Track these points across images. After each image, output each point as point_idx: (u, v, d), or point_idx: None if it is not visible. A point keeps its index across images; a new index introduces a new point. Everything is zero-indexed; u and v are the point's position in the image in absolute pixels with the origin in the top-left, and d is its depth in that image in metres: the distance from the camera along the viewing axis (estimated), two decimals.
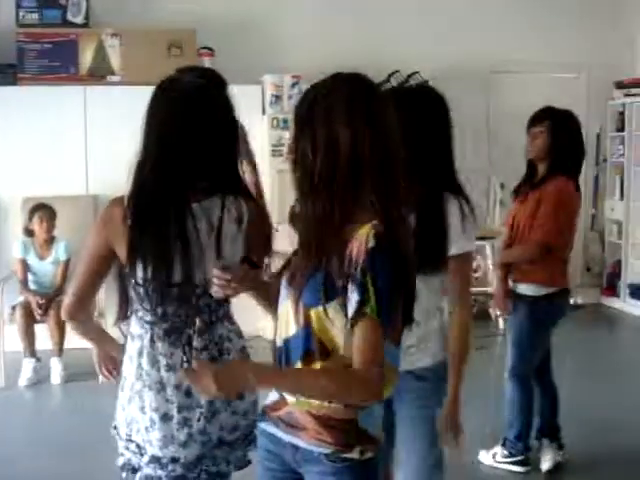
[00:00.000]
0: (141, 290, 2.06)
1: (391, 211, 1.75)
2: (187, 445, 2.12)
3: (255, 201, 2.20)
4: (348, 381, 1.73)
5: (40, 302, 5.58)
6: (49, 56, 6.30)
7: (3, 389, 5.49)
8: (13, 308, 5.67)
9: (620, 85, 7.63)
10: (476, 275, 6.73)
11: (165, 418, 2.11)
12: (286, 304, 1.86)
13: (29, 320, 5.59)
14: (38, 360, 5.65)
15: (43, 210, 5.78)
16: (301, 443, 1.85)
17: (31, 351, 5.62)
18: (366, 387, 1.71)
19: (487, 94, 7.41)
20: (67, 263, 5.79)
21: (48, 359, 5.64)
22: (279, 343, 1.88)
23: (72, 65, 6.34)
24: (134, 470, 2.24)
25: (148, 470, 2.17)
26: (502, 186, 7.05)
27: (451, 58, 6.98)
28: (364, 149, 1.75)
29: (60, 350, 5.63)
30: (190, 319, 2.09)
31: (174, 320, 2.09)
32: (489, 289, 5.38)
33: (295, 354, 1.82)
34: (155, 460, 2.15)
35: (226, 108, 2.16)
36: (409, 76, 6.81)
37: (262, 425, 1.97)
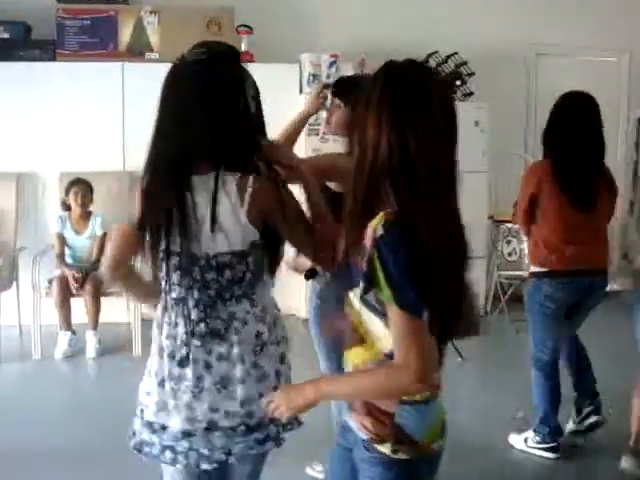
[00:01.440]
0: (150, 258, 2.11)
1: (407, 201, 1.74)
2: (172, 415, 2.12)
3: (273, 179, 2.15)
4: (387, 374, 1.75)
5: (76, 276, 5.64)
6: (88, 32, 6.33)
7: (39, 361, 5.57)
8: (50, 282, 5.74)
9: None
10: (511, 259, 6.69)
11: (161, 384, 2.14)
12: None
13: (65, 294, 5.66)
14: (74, 333, 5.72)
15: (80, 185, 5.84)
16: (352, 425, 1.90)
17: (67, 324, 5.69)
18: (404, 375, 1.70)
19: (527, 76, 7.31)
20: (103, 238, 5.85)
21: (83, 332, 5.72)
22: None
23: (111, 41, 6.36)
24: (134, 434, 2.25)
25: (144, 435, 2.20)
26: None
27: (491, 39, 6.89)
28: (409, 150, 1.73)
29: (95, 324, 5.70)
30: (190, 291, 2.10)
31: (180, 290, 2.10)
32: (524, 273, 5.34)
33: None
34: (149, 425, 2.18)
35: (227, 82, 2.11)
36: (448, 57, 6.74)
37: None
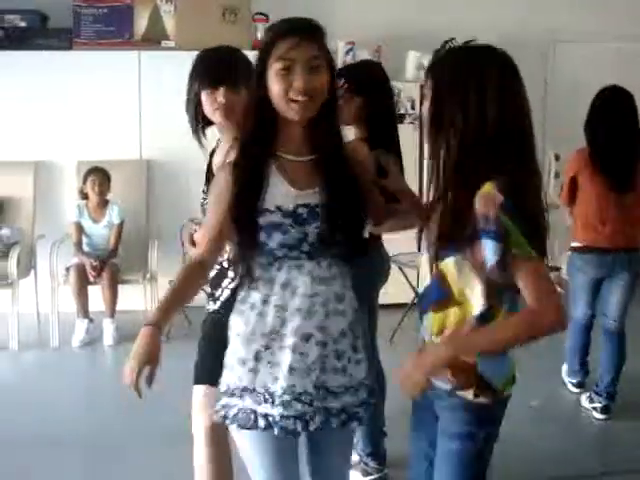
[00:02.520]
0: None
1: (514, 170, 1.92)
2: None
3: None
4: (529, 321, 1.88)
5: (94, 264, 5.67)
6: (104, 21, 6.33)
7: (56, 349, 5.61)
8: (67, 270, 5.77)
9: None
10: None
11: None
12: (425, 256, 2.08)
13: (83, 282, 5.69)
14: (91, 321, 5.76)
15: (97, 173, 5.86)
16: (435, 381, 2.04)
17: (84, 312, 5.73)
18: (547, 317, 1.86)
19: (546, 63, 7.26)
20: (120, 226, 5.89)
21: (100, 320, 5.75)
22: (420, 291, 2.16)
23: (127, 30, 6.36)
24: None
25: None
26: (557, 157, 6.93)
27: (509, 26, 6.83)
28: (507, 116, 1.94)
29: (112, 312, 5.73)
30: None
31: None
32: None
33: (427, 301, 2.08)
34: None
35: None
36: (465, 43, 6.68)
37: None
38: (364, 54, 6.35)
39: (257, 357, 2.08)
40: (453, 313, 2.01)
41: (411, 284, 5.72)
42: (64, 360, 5.46)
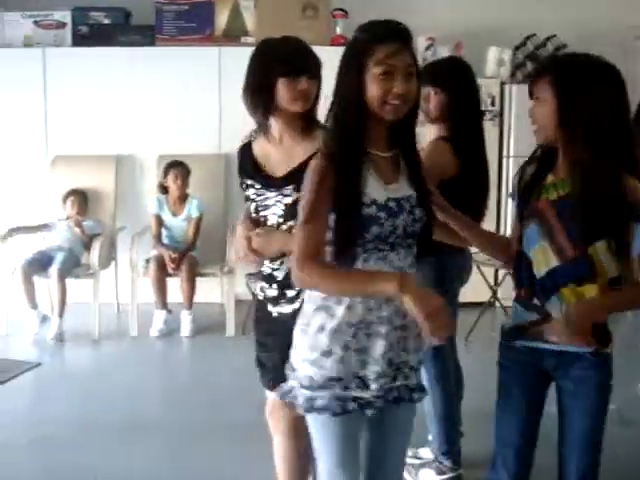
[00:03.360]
0: None
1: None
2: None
3: None
4: None
5: (173, 256, 5.77)
6: (186, 17, 6.43)
7: (136, 338, 5.73)
8: (147, 262, 5.88)
9: None
10: None
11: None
12: (542, 244, 2.29)
13: (161, 273, 5.79)
14: (169, 312, 5.86)
15: (178, 167, 5.96)
16: (570, 348, 2.28)
17: (163, 303, 5.83)
18: None
19: (625, 60, 7.04)
20: (199, 220, 5.97)
21: (178, 312, 5.84)
22: (539, 275, 2.30)
23: (208, 26, 6.45)
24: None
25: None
26: None
27: (591, 21, 6.68)
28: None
29: (190, 303, 5.82)
30: None
31: None
32: None
33: (564, 278, 2.27)
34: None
35: None
36: (547, 39, 6.59)
37: (518, 342, 2.37)
38: (444, 50, 6.30)
39: (345, 347, 2.14)
40: (593, 287, 2.25)
41: (488, 282, 5.65)
42: (142, 350, 5.58)
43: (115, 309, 6.26)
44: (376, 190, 2.11)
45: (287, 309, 2.68)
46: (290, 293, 2.66)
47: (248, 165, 2.74)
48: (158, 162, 6.29)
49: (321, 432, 2.25)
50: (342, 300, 2.13)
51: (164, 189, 6.02)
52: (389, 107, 2.07)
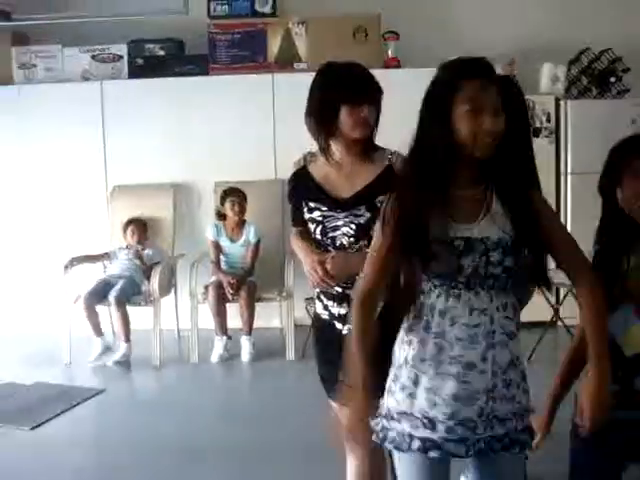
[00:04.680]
0: None
1: None
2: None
3: None
4: None
5: (232, 282, 5.80)
6: (239, 46, 6.51)
7: (197, 365, 5.77)
8: (206, 288, 5.93)
9: None
10: None
11: None
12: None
13: (221, 299, 5.82)
14: (229, 338, 5.89)
15: (234, 194, 6.01)
16: None
17: (222, 329, 5.86)
18: None
19: None
20: (257, 245, 6.01)
21: (238, 337, 5.87)
22: (630, 354, 2.27)
23: (261, 54, 6.52)
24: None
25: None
26: None
27: None
28: None
29: (250, 329, 5.84)
30: None
31: None
32: None
33: None
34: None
35: None
36: (601, 53, 6.51)
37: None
38: (497, 69, 6.23)
39: (415, 382, 2.12)
40: None
41: (550, 302, 5.57)
42: (203, 375, 5.62)
43: (176, 336, 6.32)
44: (441, 227, 2.07)
45: (340, 326, 2.72)
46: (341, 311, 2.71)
47: (310, 188, 2.77)
48: (215, 189, 6.36)
49: (397, 464, 2.25)
50: (419, 332, 2.13)
51: (221, 216, 6.08)
52: (480, 144, 2.05)
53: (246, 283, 5.86)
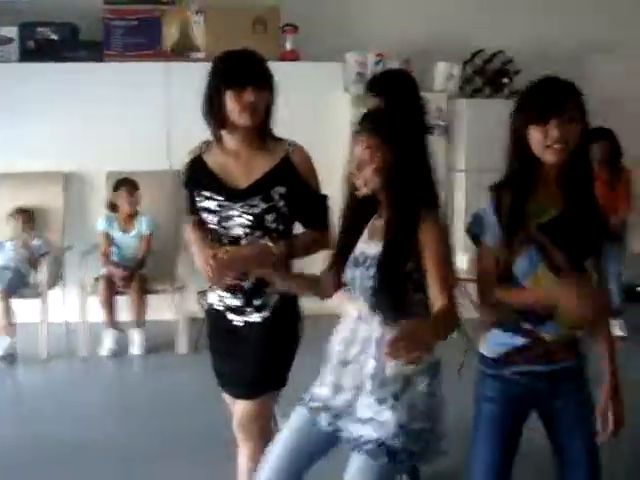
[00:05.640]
0: None
1: None
2: None
3: None
4: None
5: (123, 274, 5.69)
6: (134, 33, 6.37)
7: (86, 358, 5.62)
8: (96, 280, 5.79)
9: None
10: None
11: None
12: (542, 269, 2.30)
13: (111, 292, 5.69)
14: (119, 331, 5.77)
15: (127, 185, 5.88)
16: (567, 364, 2.36)
17: (112, 322, 5.74)
18: None
19: (576, 76, 7.11)
20: (150, 237, 5.90)
21: (129, 330, 5.76)
22: None
23: (157, 42, 6.40)
24: None
25: None
26: None
27: (539, 37, 6.76)
28: None
29: (141, 321, 5.74)
30: None
31: None
32: None
33: None
34: None
35: None
36: (493, 55, 6.68)
37: (505, 371, 2.35)
38: (394, 65, 6.35)
39: None
40: None
41: None
42: (93, 370, 5.50)
43: (64, 329, 6.14)
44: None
45: (256, 317, 2.71)
46: (257, 302, 2.70)
47: (204, 177, 2.74)
48: (107, 179, 6.21)
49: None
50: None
51: (113, 207, 5.94)
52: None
53: (137, 275, 5.75)
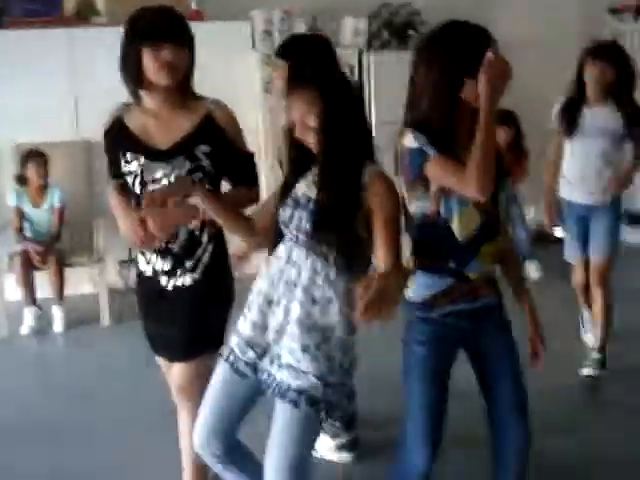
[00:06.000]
0: None
1: None
2: None
3: None
4: None
5: (38, 250, 5.55)
6: None
7: (6, 338, 5.49)
8: (11, 257, 5.63)
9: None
10: None
11: None
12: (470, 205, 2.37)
13: (28, 268, 5.56)
14: (39, 308, 5.65)
15: (36, 157, 5.70)
16: (488, 301, 2.47)
17: (31, 299, 5.61)
18: None
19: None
20: (62, 209, 5.76)
21: (49, 307, 5.64)
22: (463, 238, 2.39)
23: (56, 8, 6.18)
24: None
25: None
26: None
27: None
28: None
29: (60, 297, 5.63)
30: None
31: None
32: None
33: (483, 239, 2.44)
34: None
35: None
36: (400, 7, 6.69)
37: (433, 313, 2.42)
38: (300, 23, 6.34)
39: None
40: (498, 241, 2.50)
41: None
42: (14, 350, 5.36)
43: None
44: None
45: (187, 280, 2.69)
46: (188, 264, 2.68)
47: (125, 139, 2.68)
48: (14, 152, 6.00)
49: None
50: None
51: (23, 180, 5.77)
52: None
53: (54, 249, 5.62)
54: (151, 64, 2.53)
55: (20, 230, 5.69)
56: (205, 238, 2.70)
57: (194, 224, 2.60)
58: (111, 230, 5.65)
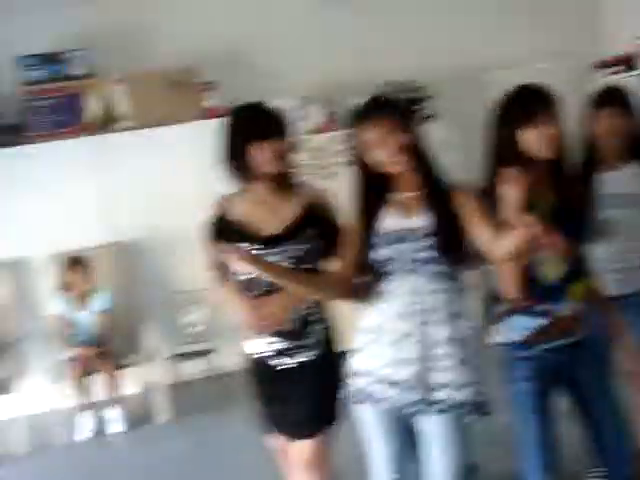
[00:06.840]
0: None
1: None
2: None
3: None
4: None
5: (90, 353, 5.58)
6: (56, 111, 6.27)
7: (67, 446, 5.43)
8: (63, 365, 5.61)
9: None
10: None
11: None
12: None
13: (80, 373, 5.55)
14: (96, 412, 5.62)
15: (78, 263, 5.79)
16: (582, 335, 2.61)
17: (88, 404, 5.59)
18: None
19: (482, 92, 7.39)
20: (108, 312, 5.80)
21: (103, 410, 5.62)
22: (553, 279, 2.61)
23: (78, 117, 6.31)
24: None
25: None
26: None
27: (445, 61, 7.05)
28: None
29: (115, 399, 5.62)
30: None
31: None
32: None
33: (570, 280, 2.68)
34: None
35: None
36: (405, 84, 6.91)
37: (532, 350, 2.60)
38: (318, 106, 6.54)
39: None
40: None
41: None
42: (71, 457, 5.28)
43: (36, 420, 5.87)
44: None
45: (307, 357, 2.83)
46: (305, 341, 2.83)
47: (234, 230, 2.83)
48: (54, 261, 6.02)
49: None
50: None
51: (67, 286, 5.82)
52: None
53: (104, 352, 5.64)
54: (260, 156, 2.72)
55: (69, 337, 5.70)
56: (317, 315, 2.85)
57: (305, 303, 2.78)
58: (158, 328, 5.77)
